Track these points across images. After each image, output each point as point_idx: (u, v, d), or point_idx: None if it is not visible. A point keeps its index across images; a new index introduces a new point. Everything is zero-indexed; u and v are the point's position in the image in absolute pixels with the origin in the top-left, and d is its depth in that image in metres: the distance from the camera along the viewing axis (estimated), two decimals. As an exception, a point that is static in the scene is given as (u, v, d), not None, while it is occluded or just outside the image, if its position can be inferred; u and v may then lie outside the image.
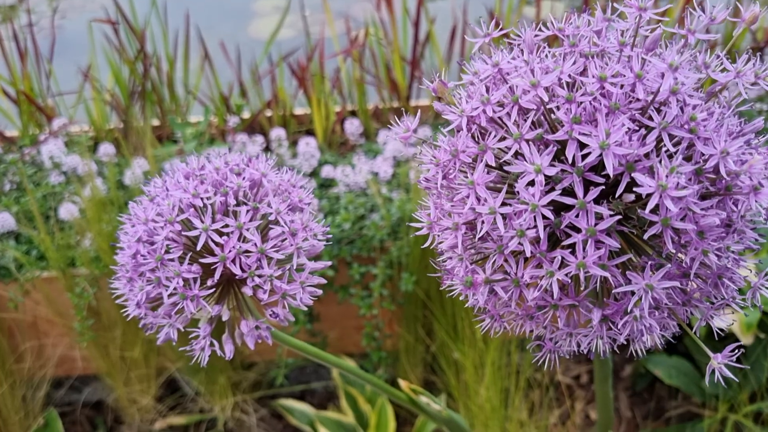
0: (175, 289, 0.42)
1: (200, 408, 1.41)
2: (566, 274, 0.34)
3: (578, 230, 0.34)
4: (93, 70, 1.40)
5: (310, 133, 1.46)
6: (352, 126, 1.36)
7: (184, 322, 0.45)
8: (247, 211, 0.44)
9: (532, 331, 0.43)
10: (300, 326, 1.16)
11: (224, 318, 0.45)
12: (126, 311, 0.45)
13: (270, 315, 0.44)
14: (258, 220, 0.45)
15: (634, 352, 0.41)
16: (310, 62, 1.42)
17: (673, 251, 0.36)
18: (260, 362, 1.33)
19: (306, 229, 0.45)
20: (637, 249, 0.38)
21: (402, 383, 0.78)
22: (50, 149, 1.22)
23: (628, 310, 0.36)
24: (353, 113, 1.47)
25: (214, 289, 0.43)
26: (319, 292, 0.46)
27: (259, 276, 0.43)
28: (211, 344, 0.45)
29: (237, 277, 0.44)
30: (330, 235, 0.47)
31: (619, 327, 0.37)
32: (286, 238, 0.45)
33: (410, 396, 0.80)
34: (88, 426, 1.43)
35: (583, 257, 0.34)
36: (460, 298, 0.39)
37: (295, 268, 0.44)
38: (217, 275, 0.43)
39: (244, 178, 0.46)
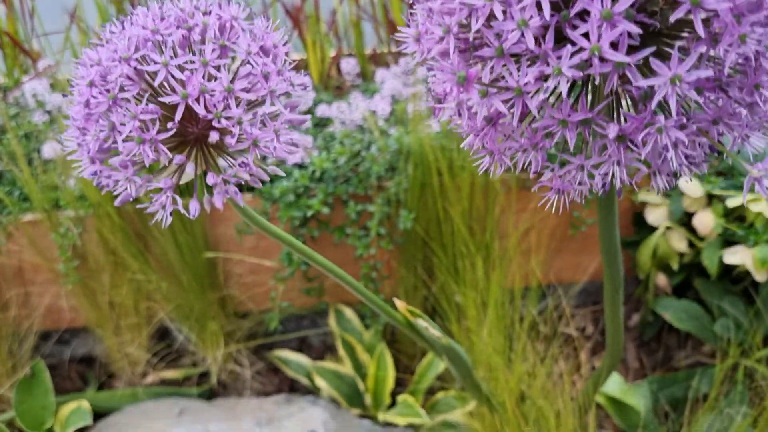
0: (130, 132, 0.37)
1: (193, 362, 1.37)
2: (576, 66, 0.29)
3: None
4: (79, 11, 1.34)
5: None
6: (349, 65, 1.30)
7: (144, 184, 0.40)
8: (213, 49, 0.39)
9: (537, 175, 0.38)
10: (295, 267, 1.11)
11: (188, 170, 0.40)
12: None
13: (240, 165, 0.39)
14: (226, 59, 0.39)
15: (658, 187, 0.35)
16: (304, 3, 1.37)
17: (703, 46, 0.30)
18: (255, 312, 1.29)
19: (280, 73, 0.40)
20: (660, 46, 0.33)
21: (398, 303, 0.73)
22: (34, 86, 1.17)
23: (651, 122, 0.31)
24: (350, 55, 1.42)
25: (173, 132, 0.38)
26: (298, 150, 0.41)
27: (227, 118, 0.38)
28: (174, 201, 0.40)
29: (201, 117, 0.39)
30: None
31: (639, 146, 0.32)
32: (257, 82, 0.39)
33: (407, 318, 0.75)
34: (79, 381, 1.39)
35: (598, 40, 0.28)
36: (453, 127, 0.34)
37: (268, 114, 0.39)
38: (178, 115, 0.38)
39: (211, 17, 0.40)
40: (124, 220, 1.10)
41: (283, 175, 0.46)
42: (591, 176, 0.35)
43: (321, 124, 1.23)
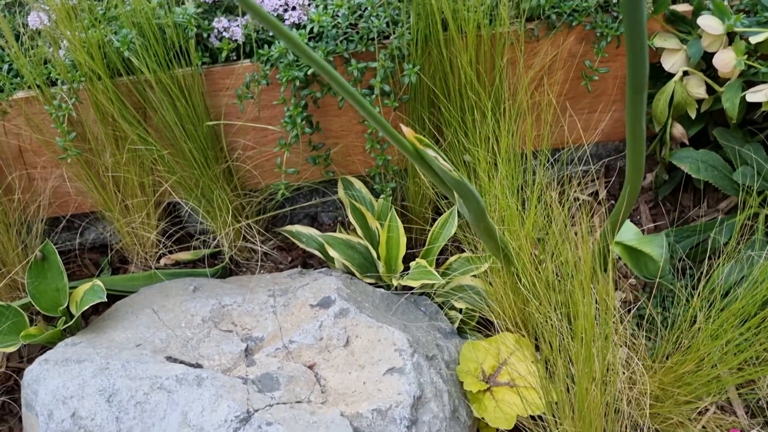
0: None
1: (206, 243, 1.36)
2: None
3: None
4: None
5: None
6: None
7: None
8: None
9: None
10: (298, 131, 1.07)
11: None
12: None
13: None
14: None
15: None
16: None
17: None
18: (262, 186, 1.26)
19: None
20: None
21: (405, 129, 0.70)
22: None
23: None
24: None
25: None
26: None
27: None
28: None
29: None
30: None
31: None
32: None
33: (416, 147, 0.72)
34: (93, 268, 1.39)
35: None
36: None
37: None
38: None
39: None
40: (120, 90, 1.06)
41: None
42: None
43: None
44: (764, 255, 1.00)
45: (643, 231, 1.34)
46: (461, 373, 1.08)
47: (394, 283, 1.18)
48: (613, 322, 1.10)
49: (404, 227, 1.27)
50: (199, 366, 1.06)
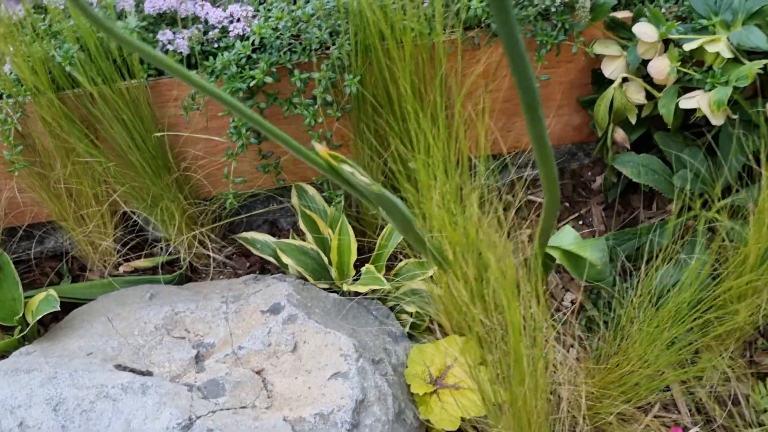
0: None
1: (165, 250, 1.38)
2: None
3: None
4: None
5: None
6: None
7: None
8: None
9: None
10: (244, 141, 1.09)
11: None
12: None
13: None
14: None
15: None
16: None
17: None
18: (214, 195, 1.28)
19: None
20: None
21: (318, 147, 0.72)
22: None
23: None
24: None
25: None
26: None
27: None
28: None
29: None
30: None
31: None
32: None
33: (330, 163, 0.74)
34: (54, 277, 1.41)
35: None
36: None
37: None
38: None
39: None
40: (66, 104, 1.08)
41: None
42: None
43: (263, -7, 1.18)
44: (695, 257, 1.03)
45: (594, 233, 1.37)
46: (409, 376, 1.10)
47: (345, 288, 1.20)
48: (553, 325, 1.12)
49: (361, 232, 1.29)
50: (149, 373, 1.08)
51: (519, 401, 0.91)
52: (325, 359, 1.07)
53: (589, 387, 1.06)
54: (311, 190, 1.29)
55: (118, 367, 1.08)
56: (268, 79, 1.05)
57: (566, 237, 1.07)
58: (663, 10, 1.10)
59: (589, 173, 1.43)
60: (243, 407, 1.01)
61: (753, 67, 0.97)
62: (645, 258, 1.08)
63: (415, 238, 0.87)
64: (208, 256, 1.33)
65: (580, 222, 1.38)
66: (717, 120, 1.02)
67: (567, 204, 1.42)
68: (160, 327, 1.15)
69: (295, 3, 1.06)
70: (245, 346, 1.09)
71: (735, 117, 1.05)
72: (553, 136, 1.31)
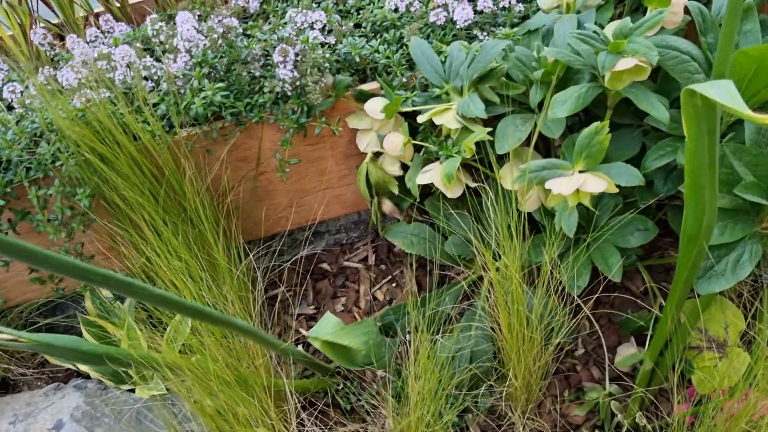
0: None
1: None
2: None
3: None
4: None
5: None
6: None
7: None
8: None
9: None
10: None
11: None
12: None
13: None
14: None
15: None
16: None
17: None
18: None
19: None
20: None
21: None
22: None
23: None
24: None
25: None
26: None
27: None
28: None
29: None
30: None
31: None
32: None
33: None
34: None
35: None
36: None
37: None
38: None
39: None
40: None
41: None
42: None
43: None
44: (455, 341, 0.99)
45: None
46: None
47: (137, 392, 1.17)
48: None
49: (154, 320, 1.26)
50: None
51: None
52: (96, 478, 1.04)
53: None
54: (105, 293, 1.26)
55: None
56: (1, 203, 1.03)
57: (326, 325, 1.03)
58: (404, 80, 1.07)
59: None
60: None
61: (471, 140, 0.94)
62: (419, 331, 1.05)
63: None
64: (16, 369, 1.31)
65: (394, 284, 1.35)
66: (453, 193, 0.99)
67: (383, 266, 1.38)
68: (-56, 457, 1.13)
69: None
70: (22, 473, 1.07)
71: (478, 184, 1.02)
72: (347, 204, 1.28)
